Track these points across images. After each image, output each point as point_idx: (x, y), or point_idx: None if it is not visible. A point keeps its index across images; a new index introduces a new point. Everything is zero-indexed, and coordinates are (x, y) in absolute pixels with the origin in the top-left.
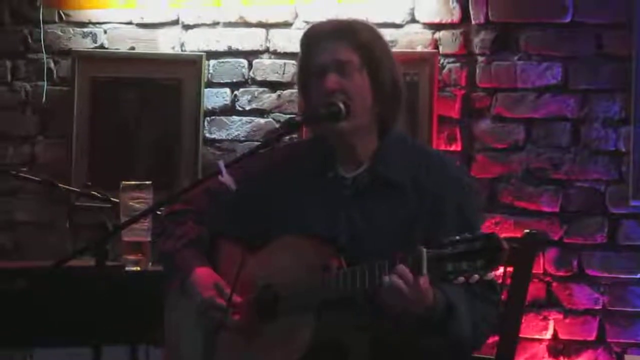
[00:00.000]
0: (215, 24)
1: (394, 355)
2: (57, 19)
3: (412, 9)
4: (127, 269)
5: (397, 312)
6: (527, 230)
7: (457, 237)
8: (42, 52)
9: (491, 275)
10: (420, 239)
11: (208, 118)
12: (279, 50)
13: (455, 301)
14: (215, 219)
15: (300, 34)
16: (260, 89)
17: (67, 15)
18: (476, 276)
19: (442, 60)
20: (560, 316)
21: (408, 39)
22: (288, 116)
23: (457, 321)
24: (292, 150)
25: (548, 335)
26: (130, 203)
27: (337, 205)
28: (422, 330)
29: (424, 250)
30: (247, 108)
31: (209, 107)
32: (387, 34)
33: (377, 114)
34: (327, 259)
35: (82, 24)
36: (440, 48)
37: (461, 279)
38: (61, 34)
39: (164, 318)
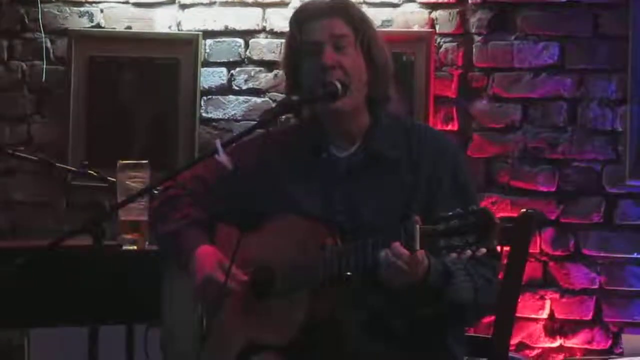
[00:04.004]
0: (211, 4)
1: (389, 332)
2: None
3: None
4: (124, 248)
5: (395, 286)
6: (524, 210)
7: (450, 213)
8: (40, 32)
9: (483, 250)
10: (417, 213)
11: (205, 97)
12: (275, 30)
13: (452, 266)
14: (209, 204)
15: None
16: (257, 69)
17: None
18: (469, 252)
19: (438, 40)
20: (557, 296)
21: (404, 19)
22: (284, 96)
23: (455, 286)
24: (285, 134)
25: (545, 314)
26: (127, 182)
27: (333, 185)
28: (419, 298)
29: (417, 226)
30: (244, 87)
31: (206, 87)
32: (383, 13)
33: (370, 92)
34: (322, 238)
35: (79, 3)
36: (437, 27)
37: (454, 254)
38: (58, 13)
39: (161, 298)
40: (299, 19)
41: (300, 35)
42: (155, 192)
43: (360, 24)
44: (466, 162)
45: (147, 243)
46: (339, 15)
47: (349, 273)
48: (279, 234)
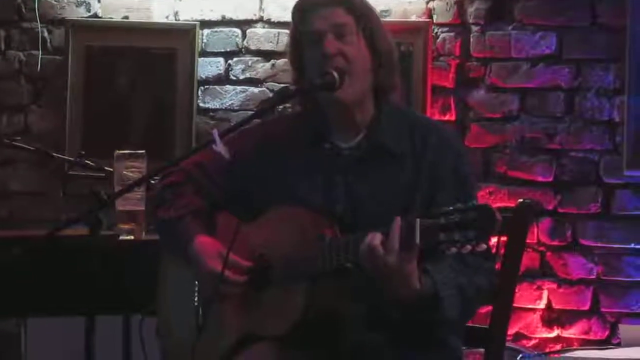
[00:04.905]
0: None
1: (388, 324)
2: None
3: None
4: (121, 238)
5: (382, 284)
6: (521, 200)
7: (451, 208)
8: (37, 21)
9: (484, 246)
10: (418, 207)
11: (202, 87)
12: (272, 20)
13: (443, 284)
14: (210, 191)
15: (294, 3)
16: (254, 59)
17: None
18: (468, 247)
19: (436, 30)
20: (554, 286)
21: (402, 9)
22: (282, 85)
23: (443, 308)
24: (286, 122)
25: (542, 305)
26: (124, 172)
27: (335, 175)
28: (408, 313)
29: (417, 219)
30: (241, 77)
31: (203, 77)
32: (381, 3)
33: (374, 81)
34: (322, 229)
35: None
36: (435, 17)
37: (453, 249)
38: (55, 2)
39: (157, 288)
40: (301, 9)
41: (303, 25)
42: (153, 182)
43: (361, 12)
44: (468, 157)
45: (144, 233)
46: (340, 4)
47: (348, 265)
48: (279, 224)
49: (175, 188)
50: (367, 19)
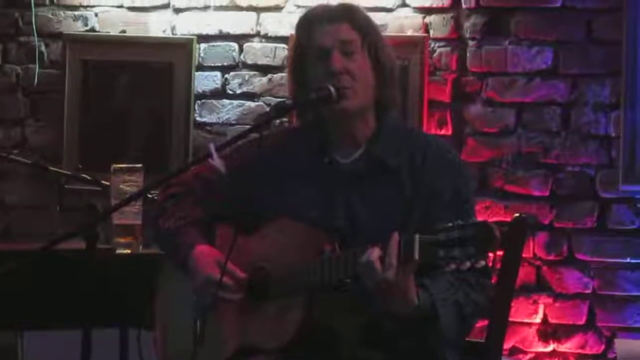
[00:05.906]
0: (206, 8)
1: (385, 339)
2: (47, 2)
3: None
4: (117, 252)
5: (379, 298)
6: (517, 214)
7: (450, 224)
8: (34, 35)
9: (482, 262)
10: (416, 224)
11: (199, 101)
12: (269, 34)
13: (440, 301)
14: (210, 204)
15: (291, 17)
16: (251, 73)
17: None
18: (468, 263)
19: (432, 45)
20: (550, 300)
21: (398, 23)
22: (278, 100)
23: (440, 324)
24: (287, 136)
25: (538, 319)
26: (121, 186)
27: (334, 190)
28: (404, 331)
29: (417, 235)
30: (238, 92)
31: (200, 91)
32: (377, 18)
33: (376, 97)
34: (321, 244)
35: (73, 7)
36: (431, 32)
37: (452, 265)
38: (52, 16)
39: (155, 301)
40: (306, 23)
41: (308, 40)
42: (150, 195)
43: (366, 28)
44: (471, 179)
45: (140, 247)
46: (346, 20)
47: (348, 280)
48: (278, 237)
49: (175, 199)
50: (371, 36)
